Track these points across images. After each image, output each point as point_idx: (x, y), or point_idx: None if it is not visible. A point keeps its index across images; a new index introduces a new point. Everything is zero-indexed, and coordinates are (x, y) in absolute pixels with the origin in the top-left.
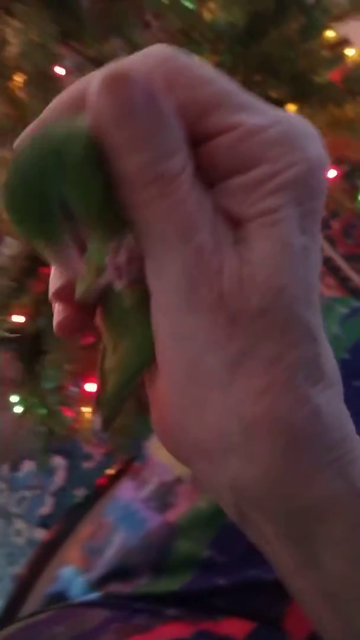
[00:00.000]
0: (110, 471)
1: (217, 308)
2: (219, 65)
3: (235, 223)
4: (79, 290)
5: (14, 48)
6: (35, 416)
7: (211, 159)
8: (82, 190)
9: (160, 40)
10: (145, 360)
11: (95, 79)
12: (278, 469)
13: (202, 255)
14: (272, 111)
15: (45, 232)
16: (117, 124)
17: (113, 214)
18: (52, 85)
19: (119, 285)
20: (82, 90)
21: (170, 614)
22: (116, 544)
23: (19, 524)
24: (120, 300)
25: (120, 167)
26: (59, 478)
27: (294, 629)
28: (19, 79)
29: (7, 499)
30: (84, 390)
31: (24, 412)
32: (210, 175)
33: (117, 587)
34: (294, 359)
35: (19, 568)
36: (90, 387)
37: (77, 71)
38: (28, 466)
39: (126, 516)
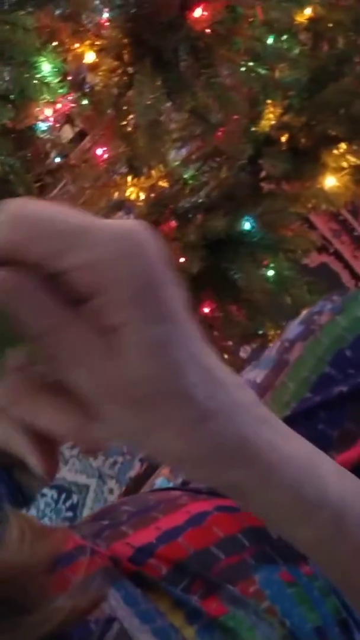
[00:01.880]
0: None
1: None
2: (288, 108)
3: (103, 328)
4: None
5: (130, 101)
6: None
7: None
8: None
9: (241, 93)
10: None
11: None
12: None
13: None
14: None
15: None
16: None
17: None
18: (160, 131)
19: None
20: None
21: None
22: None
23: (112, 484)
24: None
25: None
26: None
27: None
28: (131, 122)
29: (102, 463)
30: None
31: None
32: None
33: (194, 485)
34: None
35: None
36: None
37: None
38: None
39: None
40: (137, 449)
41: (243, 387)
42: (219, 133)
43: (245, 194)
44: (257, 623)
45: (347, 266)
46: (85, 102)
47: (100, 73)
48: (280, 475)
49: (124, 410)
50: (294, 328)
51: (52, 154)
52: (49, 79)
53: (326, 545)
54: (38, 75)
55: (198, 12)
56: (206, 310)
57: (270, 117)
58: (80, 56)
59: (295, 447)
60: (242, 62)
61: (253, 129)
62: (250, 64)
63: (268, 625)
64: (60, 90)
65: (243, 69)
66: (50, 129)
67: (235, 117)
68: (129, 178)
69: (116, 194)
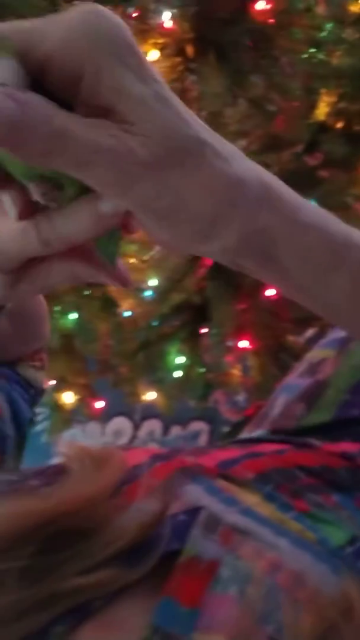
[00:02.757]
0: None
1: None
2: (342, 95)
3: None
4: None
5: (191, 95)
6: (195, 372)
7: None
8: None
9: (296, 80)
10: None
11: None
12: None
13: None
14: None
15: None
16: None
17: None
18: (222, 122)
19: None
20: None
21: (309, 443)
22: (278, 405)
23: None
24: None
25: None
26: (202, 440)
27: None
28: None
29: None
30: (237, 346)
31: (185, 370)
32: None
33: (282, 424)
34: None
35: None
36: (243, 343)
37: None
38: (176, 430)
39: (285, 387)
40: (170, 213)
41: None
42: (278, 121)
43: (304, 179)
44: (343, 522)
45: None
46: None
47: (162, 69)
48: (304, 214)
49: (154, 175)
50: None
51: None
52: None
53: None
54: None
55: (260, 5)
56: (269, 293)
57: (325, 104)
58: (145, 54)
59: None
60: (302, 50)
61: (310, 116)
62: (311, 50)
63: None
64: None
65: (304, 56)
66: None
67: (295, 104)
68: None
69: None
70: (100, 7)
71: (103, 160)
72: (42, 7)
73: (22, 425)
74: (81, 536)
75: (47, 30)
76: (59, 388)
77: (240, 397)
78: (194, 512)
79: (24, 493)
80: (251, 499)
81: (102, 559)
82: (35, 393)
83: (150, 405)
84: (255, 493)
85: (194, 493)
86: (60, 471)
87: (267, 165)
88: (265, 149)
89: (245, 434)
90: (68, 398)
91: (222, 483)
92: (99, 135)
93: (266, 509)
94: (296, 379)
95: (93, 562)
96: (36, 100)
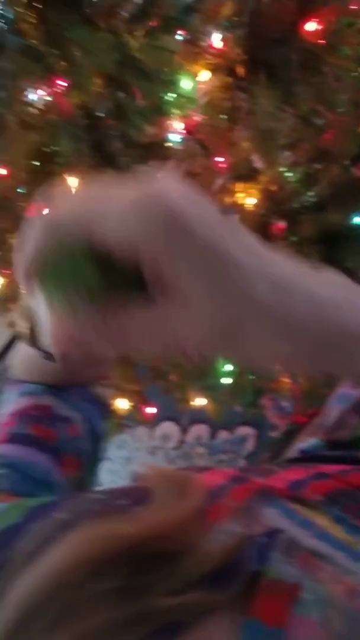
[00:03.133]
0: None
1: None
2: None
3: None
4: None
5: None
6: (244, 380)
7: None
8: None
9: (344, 95)
10: None
11: None
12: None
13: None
14: None
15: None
16: None
17: None
18: (274, 137)
19: None
20: None
21: None
22: (333, 415)
23: None
24: None
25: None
26: (249, 445)
27: None
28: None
29: (207, 462)
30: None
31: (235, 377)
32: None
33: (337, 435)
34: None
35: None
36: None
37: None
38: (223, 435)
39: (339, 397)
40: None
41: (307, 273)
42: (327, 135)
43: (352, 191)
44: None
45: None
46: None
47: (213, 89)
48: None
49: (210, 347)
50: None
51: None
52: (188, 94)
53: None
54: (178, 92)
55: (311, 26)
56: None
57: None
58: (196, 75)
59: None
60: (351, 67)
61: (357, 129)
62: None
63: None
64: (191, 105)
65: (354, 73)
66: (182, 141)
67: (343, 118)
68: (239, 184)
69: (228, 200)
70: (161, 187)
71: (163, 350)
72: (108, 41)
73: (97, 441)
74: (170, 558)
75: (105, 214)
76: (113, 395)
77: (287, 403)
78: (273, 534)
79: (116, 514)
80: (323, 522)
81: (190, 580)
82: (105, 409)
83: (197, 410)
84: (325, 515)
85: (272, 516)
86: (144, 494)
87: (315, 178)
88: (313, 162)
89: (300, 443)
90: (122, 404)
91: (295, 505)
92: (156, 331)
93: (337, 532)
94: (350, 390)
95: (182, 584)
96: (87, 325)
